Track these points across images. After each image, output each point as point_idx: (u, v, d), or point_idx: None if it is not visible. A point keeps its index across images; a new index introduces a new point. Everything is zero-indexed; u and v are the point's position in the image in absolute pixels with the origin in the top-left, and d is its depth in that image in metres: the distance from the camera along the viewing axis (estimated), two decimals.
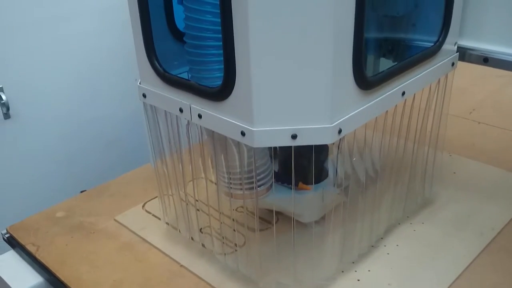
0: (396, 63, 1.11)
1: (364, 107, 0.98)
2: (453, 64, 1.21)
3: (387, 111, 1.06)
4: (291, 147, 0.98)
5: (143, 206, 1.49)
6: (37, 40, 2.12)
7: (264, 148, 1.07)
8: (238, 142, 0.98)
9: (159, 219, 1.40)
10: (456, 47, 1.21)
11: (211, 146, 1.08)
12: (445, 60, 1.18)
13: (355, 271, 1.22)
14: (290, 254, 1.16)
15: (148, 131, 1.23)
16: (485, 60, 1.20)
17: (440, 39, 1.13)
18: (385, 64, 1.18)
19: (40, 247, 1.36)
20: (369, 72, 1.03)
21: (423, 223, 1.35)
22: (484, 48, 1.22)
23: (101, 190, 1.59)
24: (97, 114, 2.39)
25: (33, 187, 2.31)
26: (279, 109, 0.90)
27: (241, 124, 0.92)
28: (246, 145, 0.97)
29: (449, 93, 1.26)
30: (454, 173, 1.55)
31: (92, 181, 1.71)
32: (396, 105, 1.10)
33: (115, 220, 1.43)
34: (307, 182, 1.17)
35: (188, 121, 1.05)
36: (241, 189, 1.09)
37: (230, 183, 1.12)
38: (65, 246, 1.35)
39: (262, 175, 1.13)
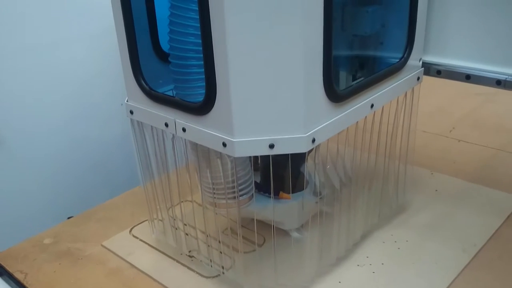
0: (364, 78, 1.20)
1: (336, 118, 1.06)
2: (418, 78, 1.30)
3: (357, 123, 1.14)
4: (274, 158, 1.06)
5: (130, 231, 1.49)
6: (23, 65, 2.12)
7: (245, 159, 1.13)
8: (220, 153, 1.05)
9: (147, 244, 1.41)
10: (421, 62, 1.29)
11: (195, 158, 1.14)
12: (410, 75, 1.27)
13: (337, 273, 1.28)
14: (272, 259, 1.22)
15: (135, 148, 1.28)
16: (438, 72, 1.28)
17: (405, 55, 1.22)
18: (356, 79, 1.27)
19: (28, 274, 1.35)
20: (342, 85, 1.13)
21: (407, 240, 1.38)
22: (445, 63, 1.30)
23: (88, 216, 1.59)
24: (83, 136, 2.36)
25: (20, 213, 2.27)
26: (257, 121, 0.97)
27: (222, 136, 0.99)
28: (227, 156, 1.04)
29: (416, 106, 1.34)
30: (436, 190, 1.57)
31: (79, 206, 1.72)
32: (366, 118, 1.18)
33: (103, 246, 1.43)
34: (287, 191, 1.24)
35: (173, 135, 1.12)
36: (224, 198, 1.16)
37: (214, 193, 1.18)
38: (53, 273, 1.35)
39: (244, 185, 1.19)
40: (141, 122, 1.21)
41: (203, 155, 1.12)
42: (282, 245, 1.23)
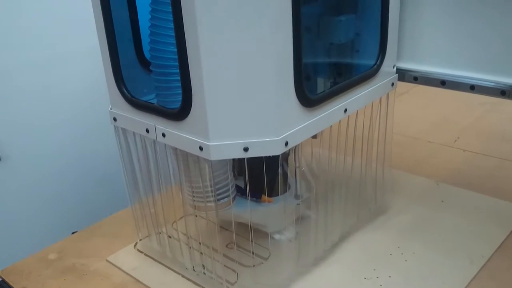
0: (337, 84, 1.24)
1: (309, 122, 1.11)
2: (392, 84, 1.35)
3: (331, 127, 1.19)
4: (253, 163, 1.11)
5: (135, 246, 1.49)
6: (26, 81, 2.12)
7: (223, 164, 1.17)
8: (198, 157, 1.09)
9: (152, 258, 1.42)
10: (395, 69, 1.35)
11: (175, 162, 1.19)
12: (384, 81, 1.32)
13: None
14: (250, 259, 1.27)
15: (120, 155, 1.33)
16: (415, 78, 1.32)
17: (378, 62, 1.27)
18: (331, 85, 1.33)
19: None
20: (319, 90, 1.20)
21: (413, 252, 1.38)
22: (420, 69, 1.34)
23: (92, 231, 1.59)
24: (87, 151, 2.35)
25: (25, 229, 2.27)
26: (231, 126, 1.02)
27: (199, 140, 1.04)
28: (204, 159, 1.07)
29: (392, 110, 1.39)
30: (442, 201, 1.58)
31: (83, 221, 1.72)
32: (341, 122, 1.23)
33: (107, 261, 1.43)
34: (269, 195, 1.29)
35: (154, 140, 1.17)
36: (203, 201, 1.21)
37: (193, 196, 1.23)
38: None
39: (223, 189, 1.23)
40: (125, 129, 1.25)
41: (183, 159, 1.16)
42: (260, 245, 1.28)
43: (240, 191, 1.32)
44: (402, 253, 1.36)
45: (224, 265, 1.28)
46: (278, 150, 1.05)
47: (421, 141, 1.96)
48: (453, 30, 1.28)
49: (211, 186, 1.16)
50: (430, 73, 1.34)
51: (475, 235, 1.41)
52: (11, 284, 1.38)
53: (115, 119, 1.25)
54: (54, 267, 1.43)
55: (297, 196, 1.36)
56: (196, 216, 1.27)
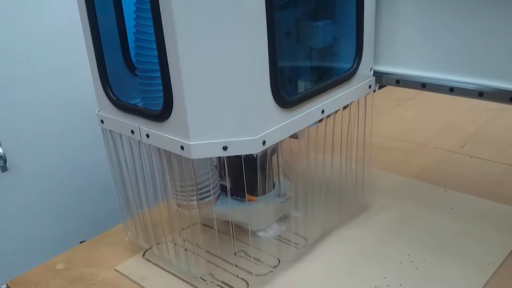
0: (314, 86, 1.29)
1: (286, 122, 1.16)
2: (370, 86, 1.40)
3: (308, 128, 1.25)
4: (238, 164, 1.18)
5: (143, 255, 1.48)
6: (32, 91, 2.14)
7: (205, 164, 1.23)
8: (180, 157, 1.14)
9: (161, 267, 1.42)
10: (372, 72, 1.40)
11: (159, 162, 1.24)
12: (362, 83, 1.37)
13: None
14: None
15: (108, 156, 1.37)
16: (397, 82, 1.37)
17: (354, 65, 1.32)
18: (309, 87, 1.36)
19: None
20: (299, 91, 1.26)
21: (424, 260, 1.39)
22: (398, 72, 1.38)
23: (100, 240, 1.58)
24: (94, 161, 2.35)
25: (32, 239, 2.27)
26: (211, 126, 1.08)
27: (180, 140, 1.10)
28: (186, 158, 1.12)
29: (370, 111, 1.44)
30: (451, 208, 1.58)
31: (91, 230, 1.72)
32: (320, 123, 1.28)
33: (116, 270, 1.43)
34: (253, 194, 1.34)
35: (139, 141, 1.22)
36: (186, 200, 1.26)
37: (177, 195, 1.28)
38: None
39: (206, 188, 1.28)
40: (112, 131, 1.30)
41: (166, 159, 1.22)
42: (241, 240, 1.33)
43: (226, 191, 1.37)
44: (412, 261, 1.36)
45: (233, 274, 1.32)
46: (256, 149, 1.10)
47: (428, 147, 1.97)
48: (429, 33, 1.33)
49: (192, 186, 1.21)
50: (408, 76, 1.37)
51: (485, 242, 1.41)
52: None
53: (102, 122, 1.30)
54: (62, 277, 1.42)
55: (280, 195, 1.41)
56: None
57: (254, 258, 1.34)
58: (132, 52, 1.35)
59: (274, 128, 1.13)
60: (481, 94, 1.29)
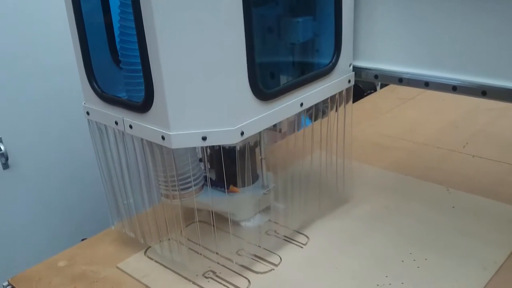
0: (293, 79, 1.33)
1: (265, 114, 1.20)
2: (349, 81, 1.44)
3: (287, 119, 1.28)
4: (221, 155, 1.23)
5: (145, 252, 1.47)
6: (34, 89, 2.16)
7: (186, 154, 1.26)
8: (161, 148, 1.19)
9: (162, 265, 1.41)
10: (351, 67, 1.44)
11: (143, 153, 1.28)
12: (341, 78, 1.41)
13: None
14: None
15: (94, 147, 1.41)
16: (376, 76, 1.41)
17: (333, 60, 1.36)
18: (289, 80, 1.40)
19: None
20: (277, 85, 1.28)
21: (425, 259, 1.38)
22: (377, 67, 1.41)
23: (102, 238, 1.57)
24: (94, 158, 2.29)
25: (34, 237, 2.28)
26: (190, 117, 1.12)
27: (161, 130, 1.14)
28: (166, 148, 1.17)
29: (350, 105, 1.48)
30: (453, 207, 1.57)
31: (93, 227, 1.70)
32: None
33: (118, 268, 1.42)
34: (236, 185, 1.36)
35: (122, 132, 1.26)
36: (167, 190, 1.30)
37: (160, 185, 1.32)
38: None
39: (188, 179, 1.32)
40: (97, 122, 1.34)
41: (149, 150, 1.25)
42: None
43: (211, 183, 1.41)
44: (414, 260, 1.36)
45: (234, 271, 1.34)
46: (234, 139, 1.14)
47: (430, 147, 1.97)
48: (406, 29, 1.36)
49: (172, 177, 1.25)
50: (386, 71, 1.40)
51: (487, 241, 1.40)
52: None
53: (88, 113, 1.34)
54: (64, 275, 1.42)
55: (263, 186, 1.45)
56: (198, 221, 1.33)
57: (256, 256, 1.37)
58: (119, 47, 1.37)
59: (252, 119, 1.17)
60: (454, 88, 1.32)
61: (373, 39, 1.41)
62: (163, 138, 1.14)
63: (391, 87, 2.48)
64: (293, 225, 1.48)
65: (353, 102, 2.42)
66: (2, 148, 2.14)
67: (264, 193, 1.45)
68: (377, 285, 1.28)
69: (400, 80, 1.38)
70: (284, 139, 1.39)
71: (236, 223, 1.40)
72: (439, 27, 1.30)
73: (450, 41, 1.29)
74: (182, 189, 1.30)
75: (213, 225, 1.30)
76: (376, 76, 1.41)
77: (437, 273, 1.30)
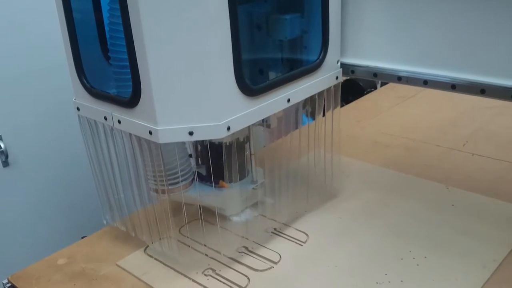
0: (280, 76, 1.35)
1: (251, 109, 1.22)
2: (337, 77, 1.45)
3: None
4: (210, 152, 1.26)
5: (145, 250, 1.47)
6: (33, 88, 2.16)
7: (173, 149, 1.28)
8: (149, 143, 1.20)
9: (162, 263, 1.41)
10: (339, 64, 1.45)
11: (132, 149, 1.29)
12: (328, 74, 1.42)
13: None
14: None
15: (84, 141, 1.43)
16: (375, 75, 1.43)
17: (320, 57, 1.37)
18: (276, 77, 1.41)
19: None
20: (264, 81, 1.28)
21: (425, 257, 1.38)
22: (361, 64, 1.45)
23: (101, 235, 1.57)
24: None
25: (34, 234, 2.28)
26: (177, 112, 1.13)
27: (148, 125, 1.15)
28: (154, 143, 1.18)
29: (338, 102, 1.48)
30: (453, 205, 1.57)
31: (92, 226, 1.69)
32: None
33: (117, 265, 1.42)
34: (225, 180, 1.39)
35: (111, 127, 1.27)
36: (156, 184, 1.31)
37: (149, 179, 1.33)
38: None
39: (176, 175, 1.33)
40: (86, 118, 1.36)
41: (138, 145, 1.27)
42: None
43: (201, 178, 1.43)
44: (413, 258, 1.36)
45: (234, 269, 1.35)
46: (220, 134, 1.16)
47: (430, 145, 1.98)
48: (393, 26, 1.38)
49: (160, 172, 1.26)
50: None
51: (486, 239, 1.40)
52: None
53: (78, 109, 1.36)
54: (64, 272, 1.42)
55: (253, 182, 1.47)
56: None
57: (256, 254, 1.39)
58: (108, 43, 1.38)
59: (238, 115, 1.19)
60: (453, 86, 1.32)
61: (362, 35, 1.42)
62: (150, 133, 1.15)
63: (391, 85, 2.48)
64: (283, 219, 1.50)
65: (354, 100, 2.52)
66: (2, 146, 2.14)
67: (253, 188, 1.47)
68: (377, 282, 1.28)
69: (399, 78, 1.39)
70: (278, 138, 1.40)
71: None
72: (432, 25, 1.31)
73: (445, 38, 1.30)
74: (170, 184, 1.31)
75: (201, 219, 1.33)
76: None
77: (437, 271, 1.31)
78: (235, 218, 1.46)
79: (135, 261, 1.43)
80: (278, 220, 1.48)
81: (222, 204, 1.44)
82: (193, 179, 1.41)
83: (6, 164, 2.16)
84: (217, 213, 1.35)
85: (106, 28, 1.37)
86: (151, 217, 1.35)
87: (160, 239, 1.38)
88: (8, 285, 1.40)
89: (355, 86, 3.11)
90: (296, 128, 1.42)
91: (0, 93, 2.09)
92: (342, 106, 2.41)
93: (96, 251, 1.49)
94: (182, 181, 1.35)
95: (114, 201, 1.44)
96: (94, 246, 1.52)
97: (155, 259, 1.43)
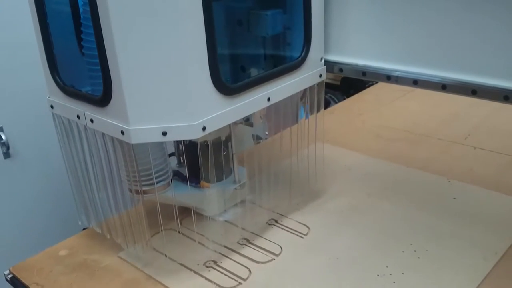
0: (262, 72, 1.31)
1: (228, 109, 1.17)
2: (320, 75, 1.41)
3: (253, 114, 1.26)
4: (191, 151, 1.23)
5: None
6: (34, 79, 2.01)
7: (147, 151, 1.23)
8: (122, 143, 1.17)
9: (164, 254, 1.40)
10: (323, 61, 1.41)
11: (106, 149, 1.26)
12: (311, 72, 1.38)
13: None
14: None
15: (59, 140, 1.39)
16: (341, 70, 1.40)
17: (303, 54, 1.33)
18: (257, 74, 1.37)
19: (44, 286, 1.34)
20: (243, 80, 1.24)
21: (426, 249, 1.38)
22: (345, 62, 1.41)
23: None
24: None
25: (35, 226, 2.27)
26: (149, 111, 1.09)
27: (120, 125, 1.11)
28: (127, 144, 1.15)
29: (322, 100, 1.45)
30: (454, 198, 1.57)
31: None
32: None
33: (119, 257, 1.41)
34: (207, 180, 1.36)
35: (85, 126, 1.24)
36: (130, 185, 1.28)
37: (124, 180, 1.30)
38: (70, 285, 1.34)
39: (150, 176, 1.29)
40: (60, 116, 1.32)
41: (111, 145, 1.23)
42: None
43: (181, 177, 1.40)
44: (415, 250, 1.36)
45: (236, 261, 1.34)
46: (195, 135, 1.12)
47: (432, 138, 1.98)
48: (377, 24, 1.34)
49: (133, 172, 1.23)
50: (355, 66, 1.37)
51: (487, 232, 1.40)
52: (22, 280, 1.37)
53: (52, 107, 1.32)
54: (65, 264, 1.42)
55: (235, 181, 1.44)
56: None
57: (257, 246, 1.38)
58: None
59: (215, 114, 1.15)
60: (444, 86, 1.30)
61: (346, 32, 1.39)
62: (122, 133, 1.12)
63: None
64: (261, 219, 1.48)
65: (355, 93, 2.48)
66: (3, 137, 2.14)
67: (235, 188, 1.44)
68: (378, 275, 1.28)
69: (389, 77, 1.35)
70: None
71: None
72: (420, 23, 1.27)
73: (434, 37, 1.26)
74: (146, 185, 1.28)
75: (176, 217, 1.32)
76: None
77: (438, 263, 1.31)
78: (218, 218, 1.45)
79: (137, 253, 1.41)
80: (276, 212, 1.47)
81: (201, 205, 1.41)
82: (170, 180, 1.36)
83: (7, 155, 2.17)
84: (194, 214, 1.34)
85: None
86: (126, 219, 1.32)
87: (135, 242, 1.35)
88: (10, 276, 1.40)
89: (357, 79, 3.06)
90: (296, 122, 1.41)
91: (1, 84, 2.09)
92: (343, 99, 2.37)
93: (98, 243, 1.49)
94: (159, 181, 1.31)
95: (90, 202, 1.41)
96: (96, 237, 1.50)
97: (157, 251, 1.41)
